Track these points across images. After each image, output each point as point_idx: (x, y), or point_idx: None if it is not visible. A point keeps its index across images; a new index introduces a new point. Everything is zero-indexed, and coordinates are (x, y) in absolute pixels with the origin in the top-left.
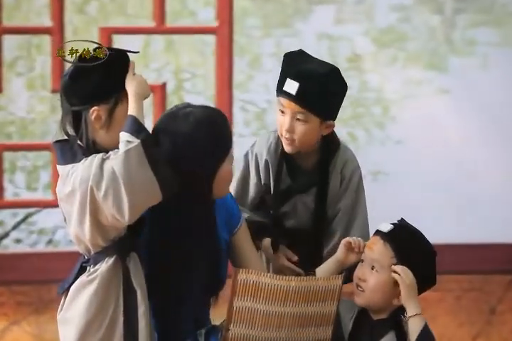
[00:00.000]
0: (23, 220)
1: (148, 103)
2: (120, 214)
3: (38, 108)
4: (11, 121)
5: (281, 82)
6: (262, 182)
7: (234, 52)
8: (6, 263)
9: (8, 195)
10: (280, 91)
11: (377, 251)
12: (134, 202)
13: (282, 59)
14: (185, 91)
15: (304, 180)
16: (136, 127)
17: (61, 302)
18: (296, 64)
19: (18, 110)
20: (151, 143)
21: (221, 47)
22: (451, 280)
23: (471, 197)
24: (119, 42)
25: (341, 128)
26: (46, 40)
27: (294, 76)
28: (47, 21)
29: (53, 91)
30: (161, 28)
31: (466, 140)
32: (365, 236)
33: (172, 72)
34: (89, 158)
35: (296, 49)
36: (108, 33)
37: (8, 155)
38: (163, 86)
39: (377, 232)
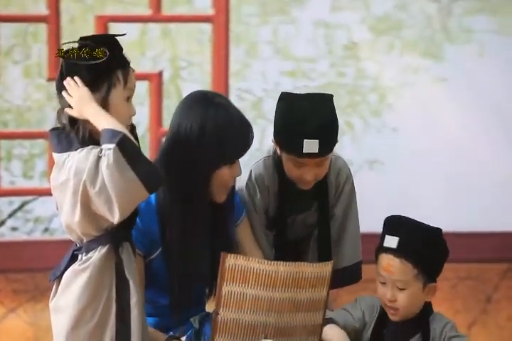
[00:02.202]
0: (19, 208)
1: (144, 91)
2: (111, 213)
3: (34, 96)
4: (7, 109)
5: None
6: (267, 205)
7: (230, 41)
8: (2, 251)
9: (4, 183)
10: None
11: (397, 271)
12: (123, 204)
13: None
14: (182, 80)
15: (305, 202)
16: (111, 134)
17: (53, 290)
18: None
19: (15, 98)
20: (129, 142)
21: (217, 35)
22: (448, 269)
23: (468, 185)
24: (116, 30)
25: (337, 116)
26: (42, 28)
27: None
28: (43, 9)
29: (49, 79)
30: (157, 16)
31: (463, 127)
32: (357, 240)
33: (168, 61)
34: (86, 149)
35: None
36: (104, 21)
37: (4, 143)
38: (160, 74)
39: (387, 250)
